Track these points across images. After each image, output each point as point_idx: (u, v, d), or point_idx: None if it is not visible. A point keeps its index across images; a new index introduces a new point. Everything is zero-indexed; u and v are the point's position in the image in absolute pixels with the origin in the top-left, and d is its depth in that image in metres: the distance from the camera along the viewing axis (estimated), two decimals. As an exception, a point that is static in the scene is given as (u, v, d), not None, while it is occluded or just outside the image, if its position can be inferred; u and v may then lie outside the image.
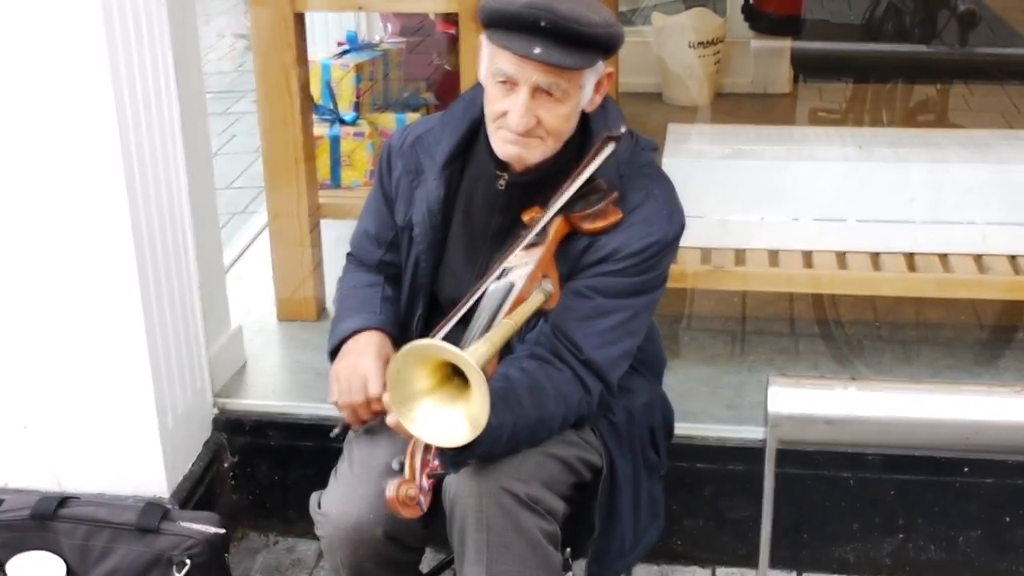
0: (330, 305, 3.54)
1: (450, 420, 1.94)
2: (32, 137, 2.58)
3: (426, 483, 2.10)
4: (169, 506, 2.74)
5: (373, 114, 3.89)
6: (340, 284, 2.58)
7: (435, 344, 1.91)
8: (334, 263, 3.49)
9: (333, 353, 2.44)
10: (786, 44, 5.11)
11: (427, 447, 2.10)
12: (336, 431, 2.43)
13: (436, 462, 2.12)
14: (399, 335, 2.45)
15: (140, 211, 2.67)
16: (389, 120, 3.86)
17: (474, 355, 1.90)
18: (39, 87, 2.54)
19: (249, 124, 6.12)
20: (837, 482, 2.92)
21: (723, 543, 3.03)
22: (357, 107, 3.84)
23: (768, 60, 5.12)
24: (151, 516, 2.66)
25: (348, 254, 2.61)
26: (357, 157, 3.79)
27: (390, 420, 2.08)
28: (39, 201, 2.63)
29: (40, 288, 2.70)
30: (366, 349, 2.37)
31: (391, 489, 2.07)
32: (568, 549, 2.38)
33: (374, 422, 2.36)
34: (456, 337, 2.05)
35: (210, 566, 2.66)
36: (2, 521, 2.69)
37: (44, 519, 2.68)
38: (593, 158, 2.23)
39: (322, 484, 2.42)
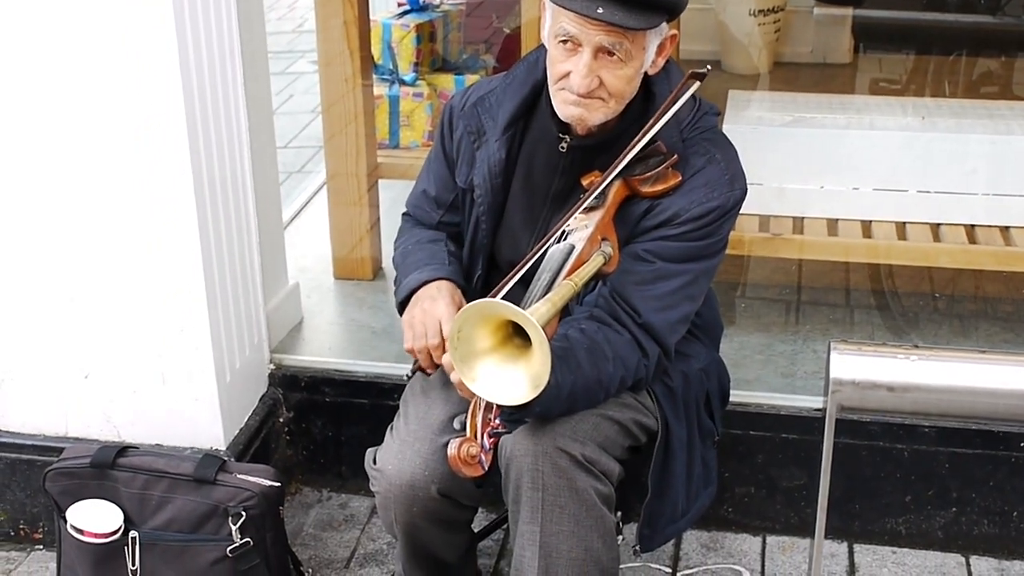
0: (387, 264, 3.55)
1: (511, 379, 1.95)
2: (98, 95, 2.60)
3: (487, 442, 2.11)
4: (226, 458, 2.76)
5: (432, 75, 3.89)
6: (399, 241, 2.58)
7: (497, 303, 1.91)
8: (391, 223, 3.47)
9: (402, 305, 2.44)
10: (847, 13, 5.04)
11: (488, 406, 2.11)
12: (408, 373, 2.40)
13: (497, 421, 2.12)
14: (466, 287, 2.45)
15: (203, 168, 2.69)
16: (448, 81, 3.86)
17: (535, 314, 1.90)
18: (105, 45, 2.56)
19: (307, 84, 6.14)
20: (891, 454, 2.90)
21: (775, 511, 3.03)
22: (416, 68, 3.84)
23: (829, 29, 5.05)
24: (208, 467, 2.67)
25: (404, 214, 2.61)
26: (416, 118, 3.79)
27: (455, 377, 2.08)
28: (104, 157, 2.65)
29: (103, 242, 2.73)
30: (439, 295, 2.37)
31: (453, 448, 2.08)
32: (619, 512, 2.39)
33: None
34: (516, 298, 2.05)
35: (265, 519, 2.68)
36: (63, 469, 2.72)
37: (103, 468, 2.70)
38: (677, 96, 2.19)
39: (375, 441, 2.44)
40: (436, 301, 2.35)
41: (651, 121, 2.20)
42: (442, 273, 2.42)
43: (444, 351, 2.29)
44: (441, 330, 2.31)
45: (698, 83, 2.21)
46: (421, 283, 2.41)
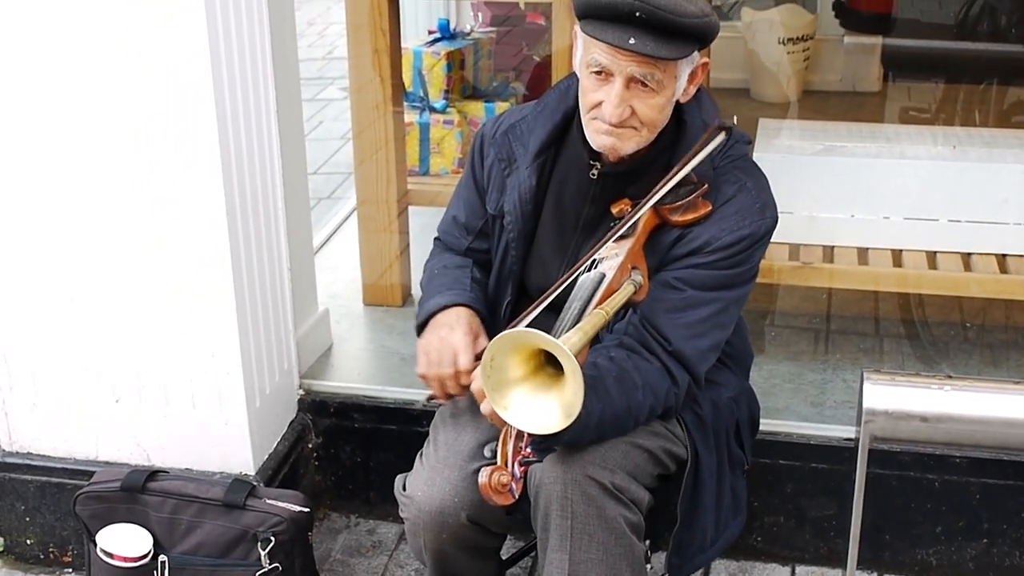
0: (416, 290, 3.55)
1: (543, 408, 1.95)
2: (132, 117, 2.62)
3: (518, 471, 2.11)
4: (255, 483, 2.76)
5: (462, 102, 3.90)
6: (428, 265, 2.59)
7: (530, 332, 1.91)
8: (421, 250, 3.48)
9: (421, 329, 2.44)
10: (877, 41, 5.02)
11: (519, 435, 2.11)
12: (425, 399, 2.43)
13: (528, 450, 2.12)
14: (488, 316, 2.45)
15: (235, 193, 2.70)
16: (478, 109, 3.87)
17: (568, 343, 1.90)
18: (141, 69, 2.57)
19: (336, 111, 6.17)
20: (922, 484, 2.88)
21: (804, 541, 3.01)
22: (447, 95, 3.86)
23: (858, 58, 5.03)
24: (238, 492, 2.68)
25: (436, 238, 2.62)
26: (446, 145, 3.80)
27: (484, 408, 2.09)
28: (137, 179, 2.66)
29: (134, 265, 2.74)
30: (456, 323, 2.37)
31: (484, 476, 2.08)
32: (647, 541, 2.38)
33: (461, 396, 2.36)
34: (545, 326, 2.04)
35: (294, 544, 2.68)
36: (93, 492, 2.73)
37: (133, 492, 2.71)
38: (702, 147, 2.21)
39: (404, 468, 2.44)
40: (453, 330, 2.35)
41: (676, 168, 2.21)
42: (462, 299, 2.42)
43: (457, 381, 2.32)
44: (456, 360, 2.31)
45: (723, 136, 2.22)
46: (440, 307, 2.41)
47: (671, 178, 2.20)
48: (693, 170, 2.24)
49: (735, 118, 2.24)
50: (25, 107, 2.64)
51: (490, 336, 2.35)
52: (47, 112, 2.64)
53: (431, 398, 2.39)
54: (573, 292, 2.12)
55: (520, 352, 1.94)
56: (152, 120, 2.61)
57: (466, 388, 2.31)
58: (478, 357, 2.30)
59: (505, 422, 2.02)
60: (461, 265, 2.52)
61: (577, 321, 2.03)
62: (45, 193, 2.71)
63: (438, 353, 2.33)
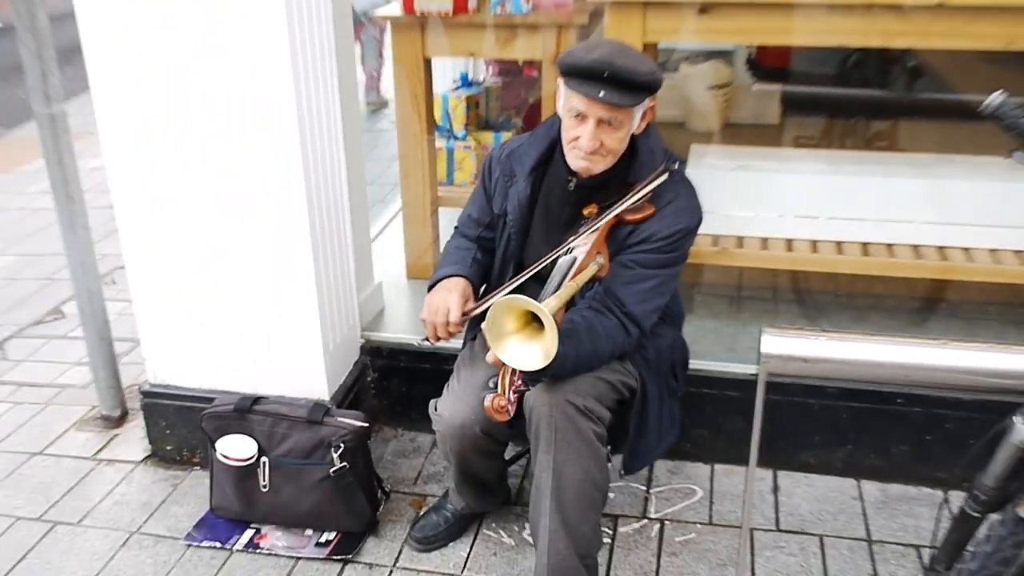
0: (444, 269, 3.55)
1: (530, 352, 1.98)
2: (240, 158, 2.61)
3: (512, 397, 2.13)
4: (329, 406, 2.79)
5: (478, 132, 3.89)
6: (446, 246, 2.59)
7: (521, 299, 1.94)
8: (448, 239, 3.49)
9: (431, 288, 2.43)
10: (777, 88, 5.00)
11: (514, 371, 2.13)
12: (420, 340, 2.40)
13: (520, 382, 2.15)
14: (480, 286, 2.45)
15: (313, 194, 2.71)
16: (488, 137, 3.86)
17: (548, 306, 1.93)
18: (239, 109, 2.57)
19: (387, 138, 6.13)
20: (805, 406, 2.90)
21: (720, 447, 3.03)
22: (467, 127, 3.85)
23: (763, 99, 5.01)
24: (317, 412, 2.70)
25: (455, 227, 2.62)
26: (466, 163, 3.80)
27: (489, 357, 2.11)
28: (247, 189, 2.67)
29: (249, 251, 2.74)
30: (454, 288, 2.37)
31: (488, 401, 2.11)
32: (609, 447, 2.41)
33: (446, 340, 2.34)
34: (534, 293, 2.07)
35: (357, 449, 2.71)
36: (214, 412, 2.76)
37: (243, 412, 2.73)
38: (651, 182, 2.22)
39: (436, 395, 2.47)
40: (451, 292, 2.35)
41: (635, 191, 2.22)
42: (462, 272, 2.42)
43: (446, 329, 2.29)
44: (448, 314, 2.29)
45: (667, 174, 2.23)
46: (446, 276, 2.41)
47: (630, 198, 2.21)
48: (642, 184, 2.25)
49: (676, 163, 2.25)
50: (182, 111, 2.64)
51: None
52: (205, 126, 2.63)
53: (425, 339, 2.36)
54: (553, 271, 2.14)
55: (513, 313, 1.97)
56: (257, 160, 2.61)
57: (451, 335, 2.30)
58: (465, 314, 2.30)
59: (503, 363, 2.04)
60: (467, 248, 2.52)
61: (556, 291, 2.06)
62: (193, 178, 2.69)
63: (436, 306, 2.32)
